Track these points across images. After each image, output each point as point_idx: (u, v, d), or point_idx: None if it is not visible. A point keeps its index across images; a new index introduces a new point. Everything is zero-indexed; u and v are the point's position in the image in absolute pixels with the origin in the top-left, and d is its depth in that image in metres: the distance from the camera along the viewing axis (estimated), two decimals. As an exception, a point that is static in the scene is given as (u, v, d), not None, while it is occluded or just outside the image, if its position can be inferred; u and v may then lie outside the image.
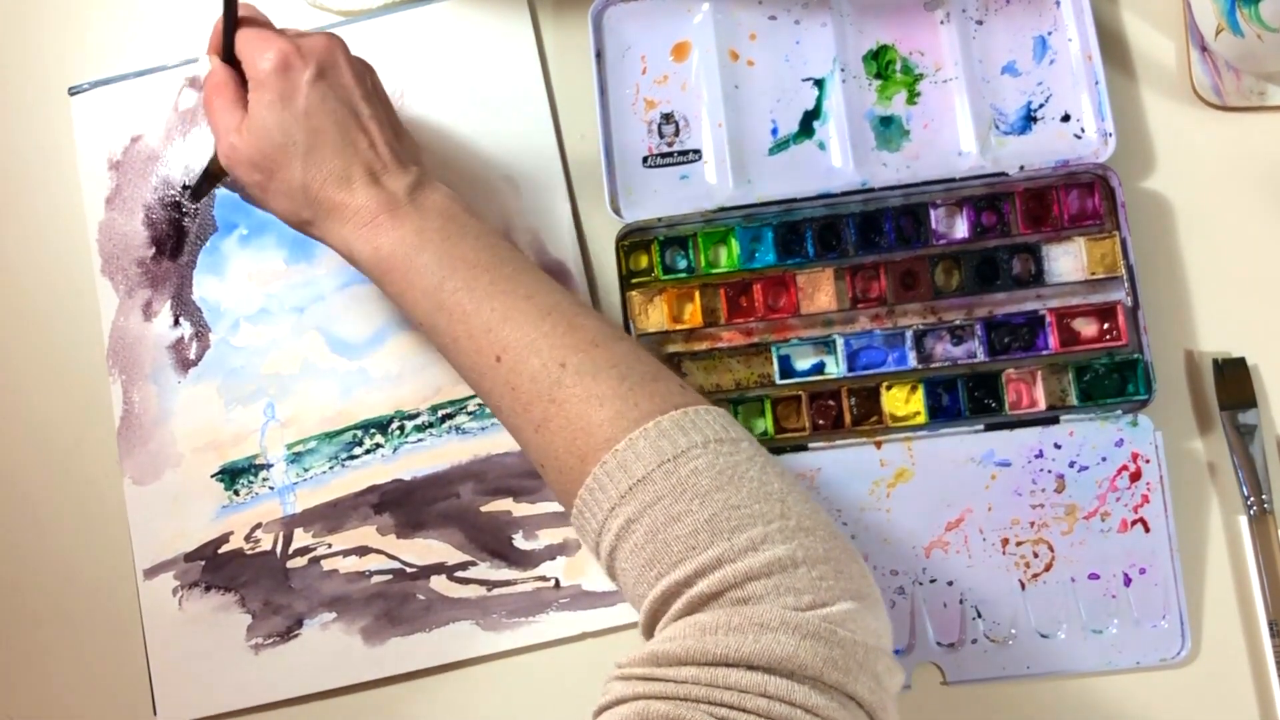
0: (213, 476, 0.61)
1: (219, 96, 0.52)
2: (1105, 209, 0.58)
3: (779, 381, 0.58)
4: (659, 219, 0.59)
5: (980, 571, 0.57)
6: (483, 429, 0.60)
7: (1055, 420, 0.57)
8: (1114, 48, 0.61)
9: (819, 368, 0.59)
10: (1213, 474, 0.58)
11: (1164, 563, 0.56)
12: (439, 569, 0.60)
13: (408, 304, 0.50)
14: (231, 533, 0.61)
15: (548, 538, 0.60)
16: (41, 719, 0.62)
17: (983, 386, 0.58)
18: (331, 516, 0.61)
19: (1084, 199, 0.58)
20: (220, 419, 0.62)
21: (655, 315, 0.59)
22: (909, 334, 0.58)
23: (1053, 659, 0.56)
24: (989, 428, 0.57)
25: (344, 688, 0.60)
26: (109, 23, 0.65)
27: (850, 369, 0.58)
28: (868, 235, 0.59)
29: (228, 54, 0.53)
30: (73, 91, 0.64)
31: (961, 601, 0.57)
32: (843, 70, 0.60)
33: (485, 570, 0.60)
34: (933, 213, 0.59)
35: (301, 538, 0.61)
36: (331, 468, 0.61)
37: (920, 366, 0.58)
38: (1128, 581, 0.56)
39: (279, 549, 0.61)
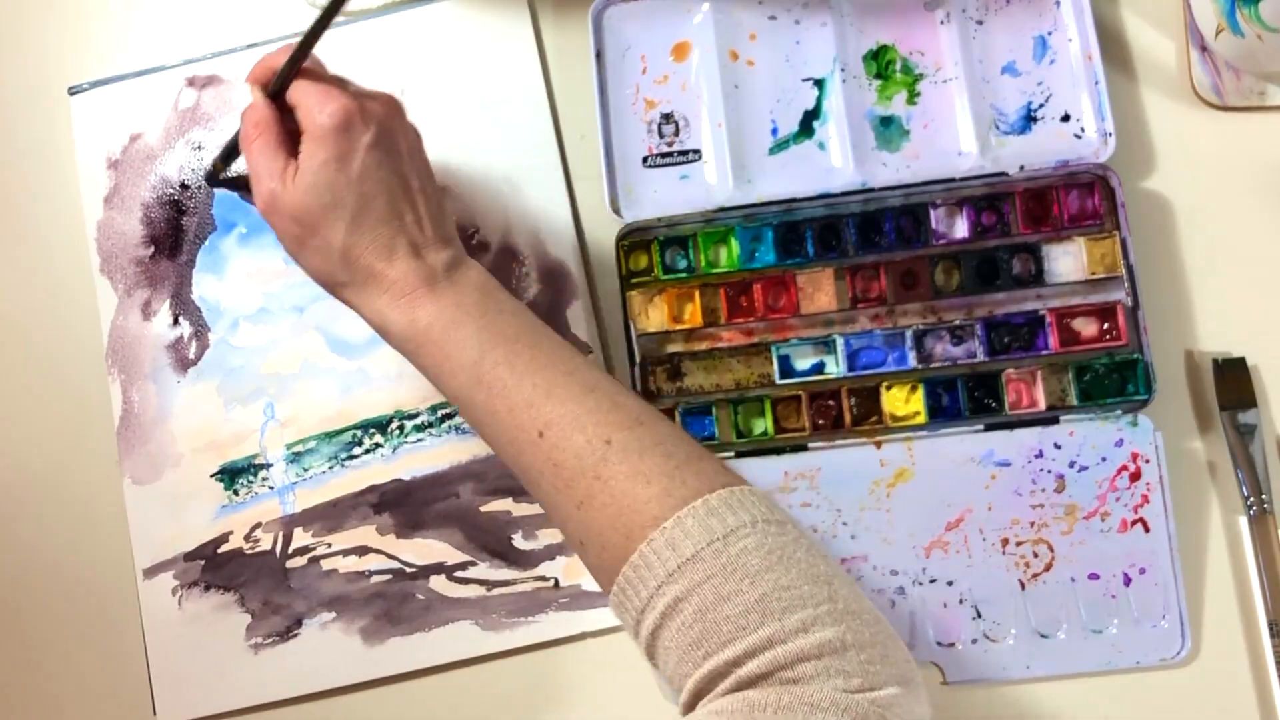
0: (212, 476, 0.61)
1: (262, 137, 0.50)
2: (1105, 209, 0.58)
3: (779, 381, 0.58)
4: (659, 219, 0.59)
5: (980, 571, 0.57)
6: (482, 429, 0.60)
7: (1055, 420, 0.57)
8: (1114, 48, 0.61)
9: (819, 368, 0.59)
10: (1213, 474, 0.58)
11: (1164, 563, 0.56)
12: (438, 569, 0.60)
13: (444, 377, 0.49)
14: (231, 532, 0.61)
15: (547, 537, 0.60)
16: (42, 718, 0.61)
17: (983, 386, 0.58)
18: (331, 516, 0.61)
19: (1084, 199, 0.58)
20: (220, 419, 0.62)
21: (655, 315, 0.59)
22: (909, 334, 0.58)
23: (1053, 659, 0.56)
24: (989, 428, 0.57)
25: (343, 687, 0.59)
26: (109, 23, 0.65)
27: (850, 369, 0.58)
28: (868, 235, 0.59)
29: (277, 91, 0.51)
30: (73, 91, 0.64)
31: (961, 601, 0.57)
32: (843, 70, 0.60)
33: (485, 570, 0.60)
34: (933, 213, 0.59)
35: (301, 537, 0.61)
36: (331, 467, 0.61)
37: (920, 366, 0.58)
38: (1128, 581, 0.56)
39: (278, 549, 0.61)
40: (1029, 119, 0.59)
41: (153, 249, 0.63)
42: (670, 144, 0.61)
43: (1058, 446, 0.57)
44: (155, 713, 0.60)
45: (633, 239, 0.60)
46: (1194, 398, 0.58)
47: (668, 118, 0.61)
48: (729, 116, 0.60)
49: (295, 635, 0.60)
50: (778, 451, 0.58)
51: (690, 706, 0.42)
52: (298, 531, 0.61)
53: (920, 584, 0.57)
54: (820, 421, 0.58)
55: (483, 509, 0.60)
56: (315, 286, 0.61)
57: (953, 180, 0.58)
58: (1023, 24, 0.60)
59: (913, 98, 0.60)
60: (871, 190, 0.58)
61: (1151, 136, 0.60)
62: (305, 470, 0.61)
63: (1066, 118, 0.59)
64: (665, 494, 0.44)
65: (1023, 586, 0.57)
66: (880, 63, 0.60)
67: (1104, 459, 0.57)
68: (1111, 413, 0.57)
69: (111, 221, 0.63)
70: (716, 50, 0.60)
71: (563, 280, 0.61)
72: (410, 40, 0.63)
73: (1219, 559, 0.57)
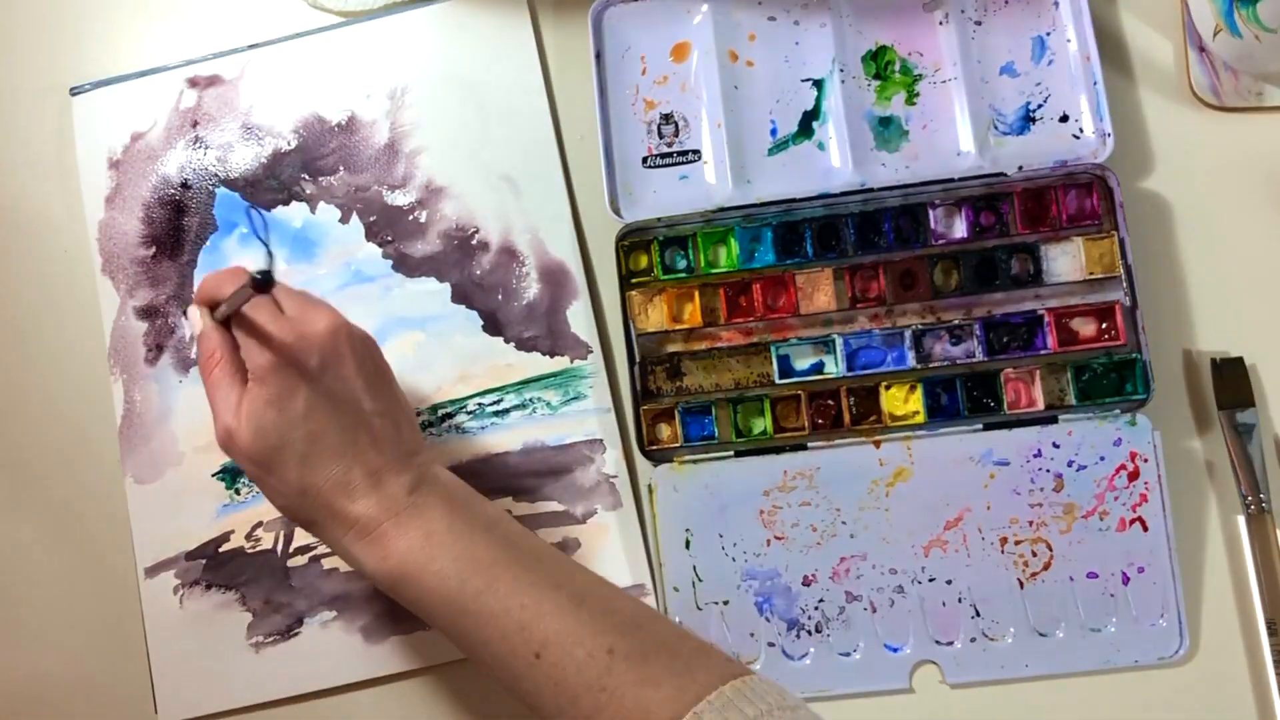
0: (214, 475, 0.62)
1: (218, 368, 0.49)
2: (1103, 209, 0.58)
3: (778, 381, 0.58)
4: (659, 219, 0.59)
5: (979, 570, 0.57)
6: (482, 429, 0.61)
7: (1054, 420, 0.57)
8: (1112, 48, 0.61)
9: (818, 367, 0.59)
10: (1211, 473, 0.58)
11: (1162, 562, 0.56)
12: (439, 568, 0.60)
13: (425, 611, 0.48)
14: (232, 531, 0.61)
15: (547, 537, 0.60)
16: (43, 717, 0.62)
17: (981, 386, 0.58)
18: (332, 515, 0.61)
19: (1082, 199, 0.58)
20: (221, 418, 0.62)
21: (655, 315, 0.59)
22: (908, 334, 0.58)
23: (1051, 658, 0.56)
24: (987, 427, 0.58)
25: (344, 686, 0.60)
26: (110, 23, 0.66)
27: (849, 369, 0.58)
28: (867, 235, 0.59)
29: (224, 319, 0.50)
30: (74, 91, 0.64)
31: (960, 600, 0.57)
32: (842, 71, 0.60)
33: (485, 569, 0.60)
34: (931, 213, 0.59)
35: (302, 536, 0.61)
36: (332, 467, 0.61)
37: (919, 366, 0.58)
38: (1126, 580, 0.57)
39: (280, 547, 0.61)
40: (1027, 119, 0.59)
41: (154, 249, 0.63)
42: (670, 144, 0.61)
43: (1056, 446, 0.57)
44: (157, 711, 0.60)
45: (633, 239, 0.60)
46: (1192, 397, 0.59)
47: (667, 118, 0.61)
48: (728, 117, 0.60)
49: (296, 634, 0.60)
50: (777, 451, 0.58)
51: None
52: (299, 530, 0.61)
53: (919, 583, 0.57)
54: (819, 421, 0.58)
55: (483, 508, 0.60)
56: (316, 287, 0.62)
57: (951, 180, 0.58)
58: (1021, 25, 0.60)
59: (911, 98, 0.60)
60: (870, 190, 0.58)
61: (1150, 137, 0.60)
62: (306, 469, 0.61)
63: (1065, 118, 0.59)
64: (678, 693, 0.43)
65: (1021, 585, 0.57)
66: (879, 63, 0.60)
67: (1102, 458, 0.57)
68: (1110, 412, 0.57)
69: (113, 221, 0.64)
70: (716, 51, 0.60)
71: (563, 280, 0.61)
72: (410, 40, 0.63)
73: (1217, 558, 0.57)
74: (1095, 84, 0.58)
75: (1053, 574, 0.57)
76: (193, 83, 0.64)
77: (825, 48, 0.60)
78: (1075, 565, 0.57)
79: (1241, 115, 0.60)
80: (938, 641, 0.57)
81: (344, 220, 0.63)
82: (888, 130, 0.60)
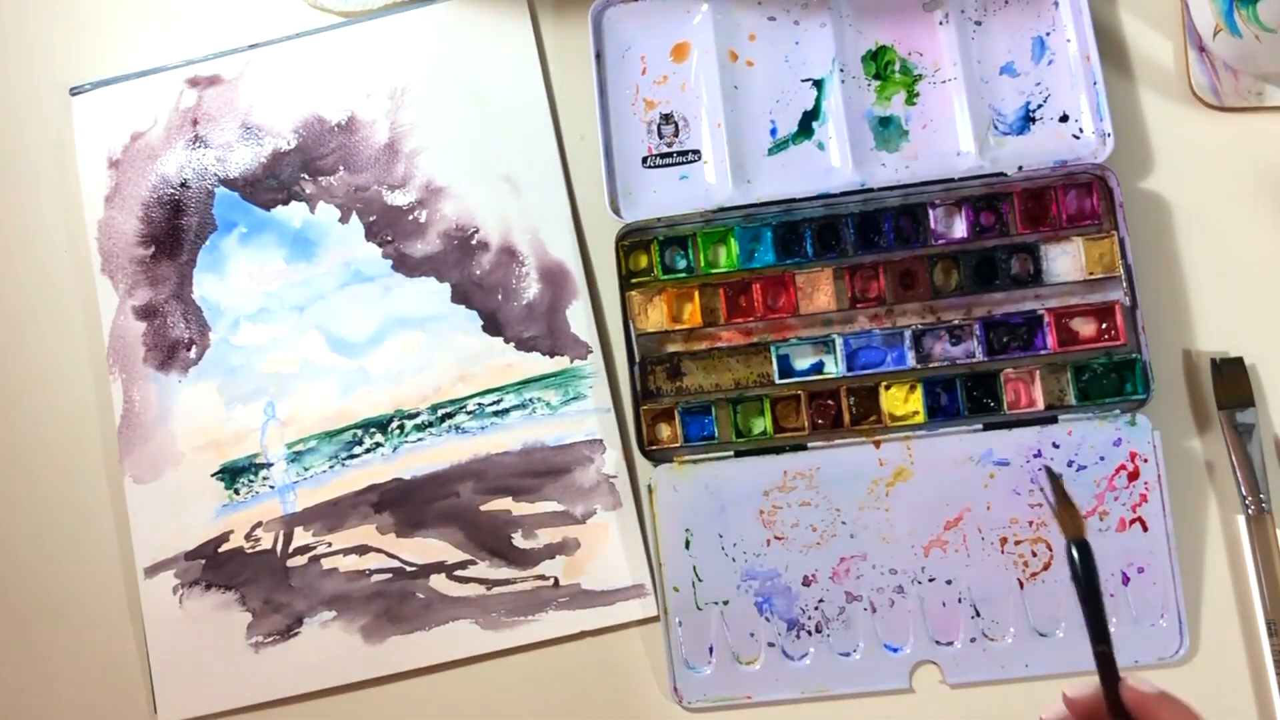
0: (213, 475, 0.62)
1: None
2: (1103, 209, 0.58)
3: (778, 381, 0.58)
4: (659, 219, 0.59)
5: (979, 570, 0.57)
6: (482, 428, 0.61)
7: (1053, 420, 0.57)
8: (1112, 48, 0.61)
9: (818, 367, 0.59)
10: (1211, 473, 0.58)
11: (1162, 562, 0.56)
12: (438, 568, 0.60)
13: None
14: (232, 531, 0.61)
15: (547, 537, 0.60)
16: (42, 717, 0.62)
17: (981, 386, 0.58)
18: (331, 515, 0.61)
19: (1082, 199, 0.58)
20: (220, 418, 0.62)
21: (655, 315, 0.59)
22: (908, 334, 0.58)
23: (1051, 658, 0.56)
24: (987, 427, 0.58)
25: (344, 686, 0.60)
26: (110, 23, 0.66)
27: (849, 368, 0.58)
28: (866, 235, 0.59)
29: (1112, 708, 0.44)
30: (74, 92, 0.64)
31: (960, 600, 0.57)
32: (841, 71, 0.60)
33: (485, 569, 0.60)
34: (931, 213, 0.59)
35: (301, 536, 0.61)
36: (331, 467, 0.61)
37: (919, 366, 0.58)
38: (1126, 580, 0.56)
39: (279, 548, 0.61)
40: (1027, 119, 0.59)
41: (153, 248, 0.63)
42: (670, 144, 0.61)
43: (1056, 446, 0.57)
44: (156, 711, 0.60)
45: (632, 239, 0.60)
46: (1192, 397, 0.59)
47: (667, 118, 0.61)
48: (728, 117, 0.60)
49: (296, 634, 0.60)
50: (777, 451, 0.58)
51: None
52: (298, 530, 0.61)
53: (919, 583, 0.57)
54: (819, 421, 0.58)
55: (483, 508, 0.60)
56: (316, 286, 0.62)
57: (951, 180, 0.58)
58: (1021, 25, 0.60)
59: (911, 98, 0.60)
60: (870, 190, 0.58)
61: (1149, 137, 0.60)
62: (306, 469, 0.61)
63: (1065, 118, 0.59)
64: None
65: (1021, 585, 0.57)
66: (879, 63, 0.60)
67: (1102, 458, 0.57)
68: (1110, 412, 0.57)
69: (112, 221, 0.64)
70: (716, 51, 0.60)
71: (563, 280, 0.61)
72: (410, 40, 0.63)
73: (1217, 558, 0.57)
74: (1095, 84, 0.58)
75: (1053, 574, 0.57)
76: (193, 82, 0.64)
77: (825, 48, 0.60)
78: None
79: (1241, 115, 0.60)
80: (938, 641, 0.57)
81: (344, 220, 0.63)
82: (888, 130, 0.60)
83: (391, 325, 0.62)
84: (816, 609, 0.58)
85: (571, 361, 0.61)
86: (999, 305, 0.59)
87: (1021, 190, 0.58)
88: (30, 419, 0.63)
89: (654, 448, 0.59)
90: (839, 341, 0.58)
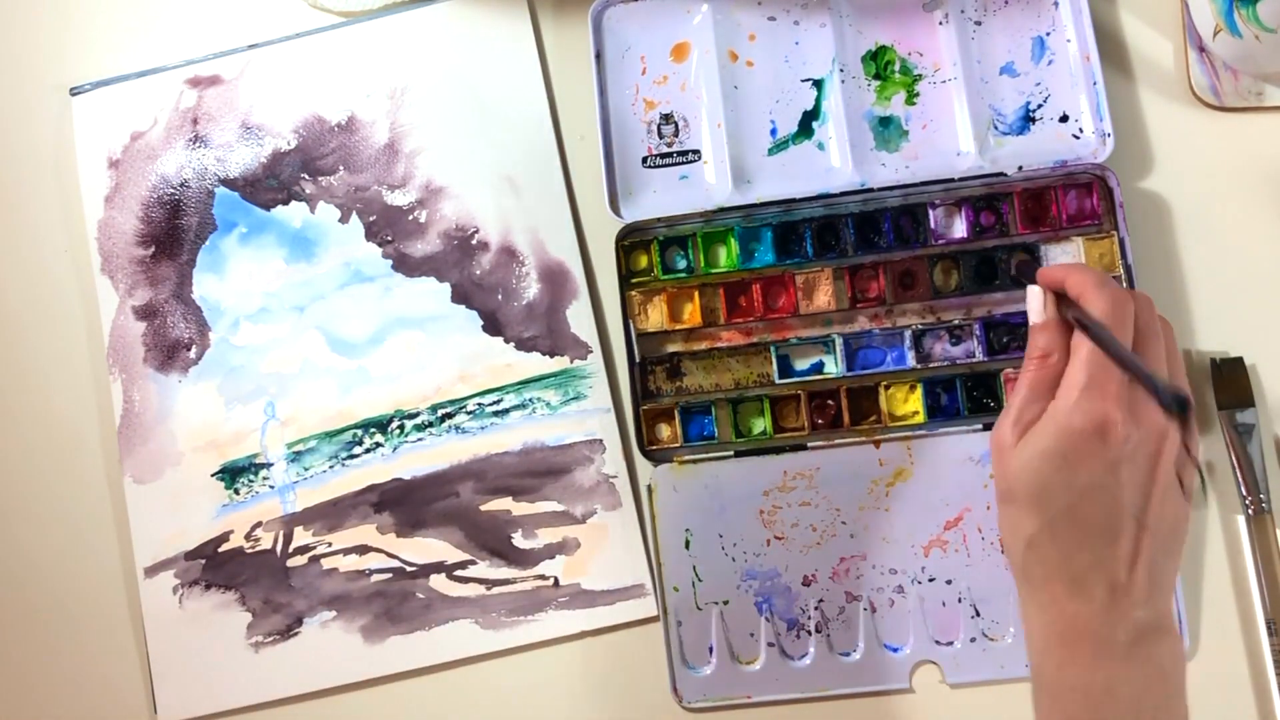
0: (213, 475, 0.62)
1: (1037, 371, 0.46)
2: (1103, 209, 0.58)
3: (778, 381, 0.58)
4: (659, 219, 0.59)
5: (979, 570, 0.57)
6: (482, 428, 0.61)
7: (1053, 420, 0.57)
8: (1112, 48, 0.61)
9: (818, 367, 0.59)
10: (1211, 473, 0.58)
11: (1162, 562, 0.56)
12: (438, 568, 0.60)
13: (1042, 716, 0.45)
14: (232, 531, 0.61)
15: (547, 537, 0.60)
16: (42, 717, 0.62)
17: (981, 386, 0.58)
18: (331, 515, 0.61)
19: (1082, 199, 0.58)
20: (220, 418, 0.62)
21: (655, 315, 0.59)
22: (907, 334, 0.58)
23: (1051, 658, 0.56)
24: (987, 427, 0.58)
25: (344, 686, 0.60)
26: (110, 23, 0.66)
27: (849, 368, 0.58)
28: (866, 235, 0.59)
29: (1078, 322, 0.45)
30: (74, 92, 0.64)
31: (960, 600, 0.57)
32: (841, 71, 0.60)
33: (485, 569, 0.60)
34: (931, 213, 0.59)
35: (301, 536, 0.61)
36: (331, 467, 0.61)
37: (919, 366, 0.58)
38: (1126, 580, 0.56)
39: (279, 547, 0.61)
40: (1027, 119, 0.59)
41: (153, 248, 0.63)
42: (670, 144, 0.61)
43: (1056, 446, 0.57)
44: (156, 711, 0.60)
45: (632, 239, 0.60)
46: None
47: (667, 118, 0.61)
48: (728, 117, 0.60)
49: (296, 634, 0.60)
50: (777, 451, 0.58)
51: None
52: (298, 530, 0.61)
53: (919, 583, 0.57)
54: (819, 421, 0.58)
55: (483, 508, 0.60)
56: (316, 286, 0.62)
57: (951, 180, 0.58)
58: (1021, 25, 0.60)
59: (911, 98, 0.60)
60: (870, 190, 0.58)
61: (1149, 137, 0.60)
62: (306, 469, 0.61)
63: (1065, 118, 0.59)
64: None
65: (1021, 585, 0.57)
66: (879, 63, 0.60)
67: (1102, 458, 0.57)
68: (1110, 412, 0.57)
69: (112, 221, 0.64)
70: (716, 51, 0.60)
71: (563, 280, 0.61)
72: (410, 40, 0.63)
73: (1217, 558, 0.57)
74: (1095, 84, 0.58)
75: (1053, 574, 0.57)
76: (193, 82, 0.64)
77: (825, 48, 0.60)
78: (1075, 565, 0.57)
79: (1241, 115, 0.60)
80: (938, 641, 0.57)
81: (344, 220, 0.63)
82: (887, 130, 0.60)
83: (391, 325, 0.62)
84: (816, 609, 0.58)
85: (571, 361, 0.61)
86: (999, 305, 0.59)
87: (1021, 190, 0.58)
88: (30, 419, 0.63)
89: (654, 448, 0.59)
90: (839, 341, 0.58)
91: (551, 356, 0.61)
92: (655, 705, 0.58)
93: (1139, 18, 0.61)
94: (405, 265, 0.62)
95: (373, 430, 0.61)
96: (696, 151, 0.61)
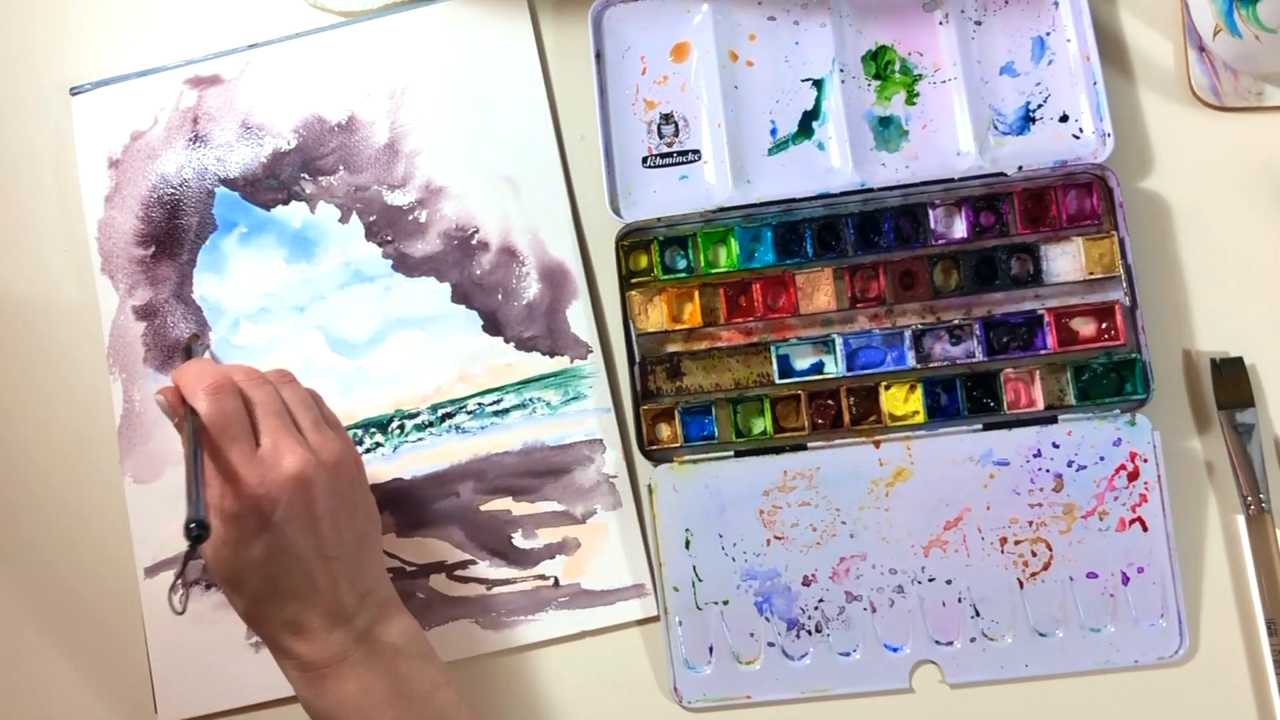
0: (213, 475, 0.61)
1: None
2: (1103, 209, 0.58)
3: (778, 381, 0.58)
4: (659, 219, 0.59)
5: (979, 570, 0.57)
6: (482, 428, 0.61)
7: (1053, 420, 0.57)
8: (1112, 48, 0.61)
9: (818, 367, 0.59)
10: (1210, 473, 0.58)
11: (1162, 562, 0.56)
12: (439, 567, 0.60)
13: None
14: (232, 531, 0.61)
15: (547, 537, 0.60)
16: (43, 716, 0.62)
17: (981, 386, 0.58)
18: (331, 515, 0.61)
19: (1082, 199, 0.58)
20: (220, 418, 0.62)
21: (655, 315, 0.59)
22: (908, 334, 0.58)
23: (1051, 658, 0.56)
24: (987, 427, 0.58)
25: (344, 686, 0.60)
26: (110, 23, 0.66)
27: (849, 368, 0.58)
28: (866, 235, 0.59)
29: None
30: (74, 91, 0.64)
31: (960, 600, 0.57)
32: (841, 71, 0.60)
33: (485, 569, 0.60)
34: (931, 213, 0.59)
35: (301, 536, 0.61)
36: (331, 467, 0.61)
37: (919, 366, 0.58)
38: (1126, 580, 0.57)
39: (279, 547, 0.61)
40: (1027, 119, 0.59)
41: (153, 248, 0.63)
42: (670, 144, 0.61)
43: (1056, 446, 0.57)
44: (156, 710, 0.60)
45: (633, 239, 0.60)
46: (1192, 397, 0.59)
47: (667, 118, 0.61)
48: (728, 117, 0.60)
49: (296, 634, 0.60)
50: (777, 451, 0.58)
51: None
52: (298, 530, 0.61)
53: (919, 583, 0.57)
54: (819, 421, 0.58)
55: (483, 508, 0.60)
56: (316, 286, 0.62)
57: (951, 180, 0.58)
58: (1021, 25, 0.60)
59: (911, 98, 0.60)
60: (870, 190, 0.58)
61: (1149, 137, 0.60)
62: (306, 469, 0.61)
63: (1065, 118, 0.59)
64: None
65: (1021, 585, 0.57)
66: (879, 63, 0.60)
67: (1102, 458, 0.57)
68: (1110, 412, 0.57)
69: (112, 221, 0.64)
70: (716, 51, 0.60)
71: (563, 280, 0.61)
72: (410, 40, 0.63)
73: (1217, 558, 0.57)
74: (1095, 84, 0.58)
75: (1052, 574, 0.57)
76: (193, 82, 0.64)
77: (825, 48, 0.60)
78: (1075, 565, 0.57)
79: (1241, 115, 0.60)
80: (938, 641, 0.57)
81: (344, 220, 0.63)
82: (888, 130, 0.60)
83: (391, 325, 0.62)
84: (816, 609, 0.58)
85: (571, 361, 0.61)
86: (999, 305, 0.59)
87: (1021, 190, 0.58)
88: (30, 419, 0.63)
89: (654, 448, 0.59)
90: (839, 341, 0.58)
91: (551, 356, 0.61)
92: (655, 705, 0.58)
93: (1139, 18, 0.61)
94: (405, 265, 0.62)
95: (373, 430, 0.61)
96: (696, 151, 0.61)
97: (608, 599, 0.59)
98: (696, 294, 0.59)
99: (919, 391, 0.58)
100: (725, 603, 0.58)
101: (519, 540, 0.60)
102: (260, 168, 0.63)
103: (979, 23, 0.60)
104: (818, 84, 0.60)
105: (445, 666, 0.53)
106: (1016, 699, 0.57)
